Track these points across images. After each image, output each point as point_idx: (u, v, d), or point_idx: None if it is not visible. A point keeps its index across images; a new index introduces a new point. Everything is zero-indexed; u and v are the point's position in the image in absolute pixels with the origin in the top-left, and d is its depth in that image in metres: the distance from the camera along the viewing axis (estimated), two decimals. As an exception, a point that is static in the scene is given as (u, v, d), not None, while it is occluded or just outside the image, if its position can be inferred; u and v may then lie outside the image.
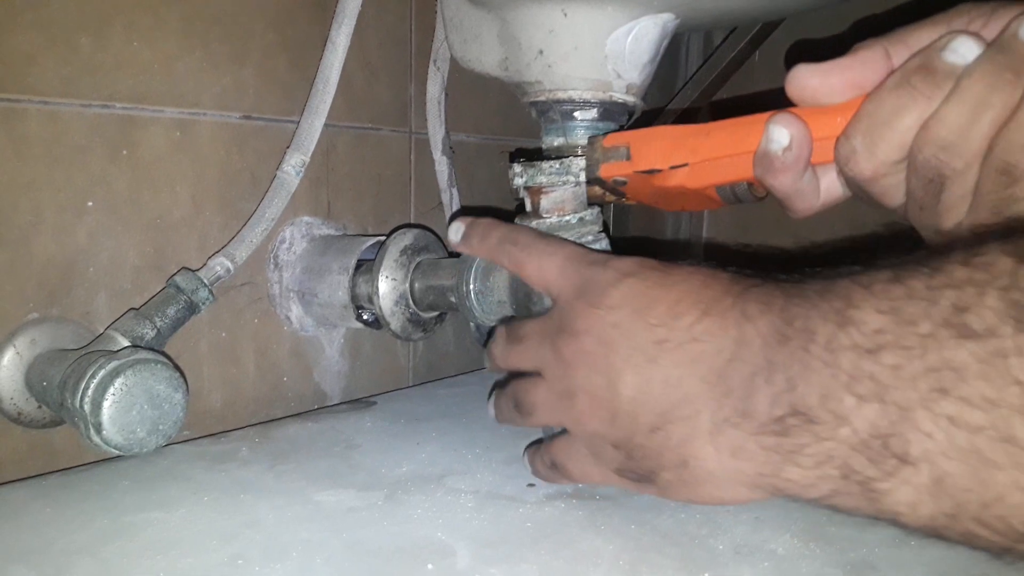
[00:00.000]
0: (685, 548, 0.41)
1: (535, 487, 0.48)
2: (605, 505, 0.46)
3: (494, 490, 0.47)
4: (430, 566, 0.38)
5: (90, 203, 0.51)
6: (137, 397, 0.44)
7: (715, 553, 0.40)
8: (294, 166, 0.57)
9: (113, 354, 0.45)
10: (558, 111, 0.49)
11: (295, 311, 0.63)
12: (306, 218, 0.63)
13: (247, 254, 0.56)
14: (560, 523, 0.43)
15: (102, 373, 0.43)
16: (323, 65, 0.58)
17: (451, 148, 0.71)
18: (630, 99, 0.49)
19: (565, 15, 0.46)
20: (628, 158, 0.45)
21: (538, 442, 0.48)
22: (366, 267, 0.58)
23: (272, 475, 0.49)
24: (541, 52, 0.48)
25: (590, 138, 0.47)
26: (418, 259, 0.56)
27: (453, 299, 0.52)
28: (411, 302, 0.56)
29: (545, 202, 0.49)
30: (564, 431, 0.44)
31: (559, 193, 0.48)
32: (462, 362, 0.81)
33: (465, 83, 0.73)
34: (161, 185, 0.55)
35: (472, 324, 0.80)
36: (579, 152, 0.49)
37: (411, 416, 0.62)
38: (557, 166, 0.47)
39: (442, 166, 0.70)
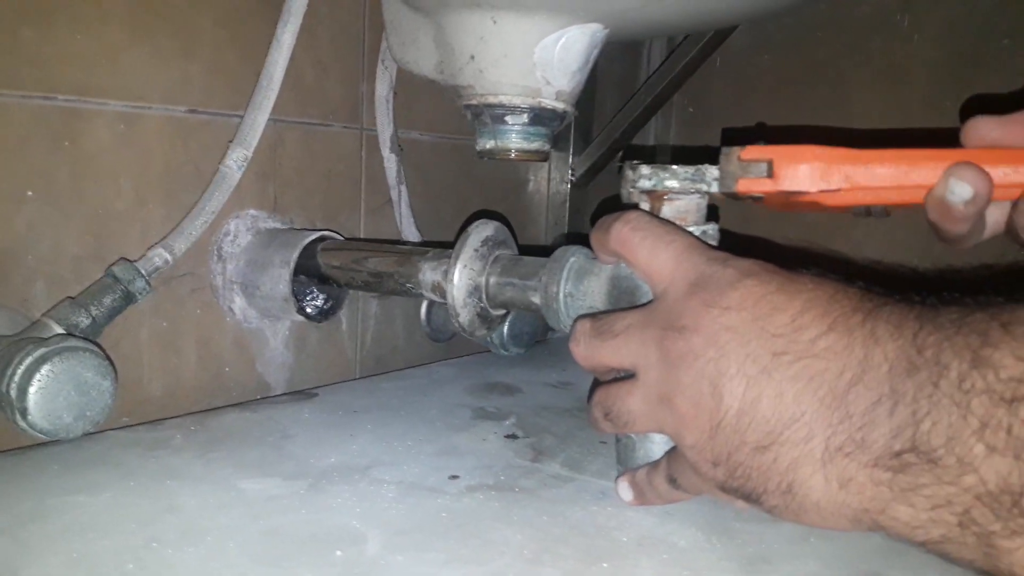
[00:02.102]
0: (591, 539, 0.42)
1: (458, 479, 0.49)
2: (522, 497, 0.47)
3: (417, 481, 0.49)
4: (339, 552, 0.39)
5: (30, 193, 0.52)
6: (64, 384, 0.45)
7: (618, 544, 0.42)
8: (236, 160, 0.58)
9: (43, 341, 0.46)
10: (489, 115, 0.50)
11: (238, 303, 0.64)
12: (252, 211, 0.65)
13: (186, 246, 0.57)
14: (475, 514, 0.45)
15: (29, 360, 0.44)
16: (268, 62, 0.59)
17: (400, 146, 0.73)
18: (560, 105, 0.51)
19: (495, 23, 0.47)
20: (770, 175, 0.42)
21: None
22: (434, 254, 0.56)
23: (201, 463, 0.50)
24: (472, 57, 0.49)
25: (723, 148, 0.44)
26: (496, 252, 0.53)
27: (536, 300, 0.49)
28: (484, 296, 0.53)
29: (668, 209, 0.45)
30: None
31: (684, 202, 0.45)
32: (411, 356, 0.82)
33: (419, 82, 0.74)
34: (104, 177, 0.56)
35: (424, 318, 0.82)
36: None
37: (350, 408, 0.63)
38: (692, 172, 0.44)
39: (390, 163, 0.72)
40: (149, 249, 0.57)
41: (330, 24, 0.69)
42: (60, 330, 0.49)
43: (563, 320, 0.48)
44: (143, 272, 0.54)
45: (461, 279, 0.51)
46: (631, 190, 0.46)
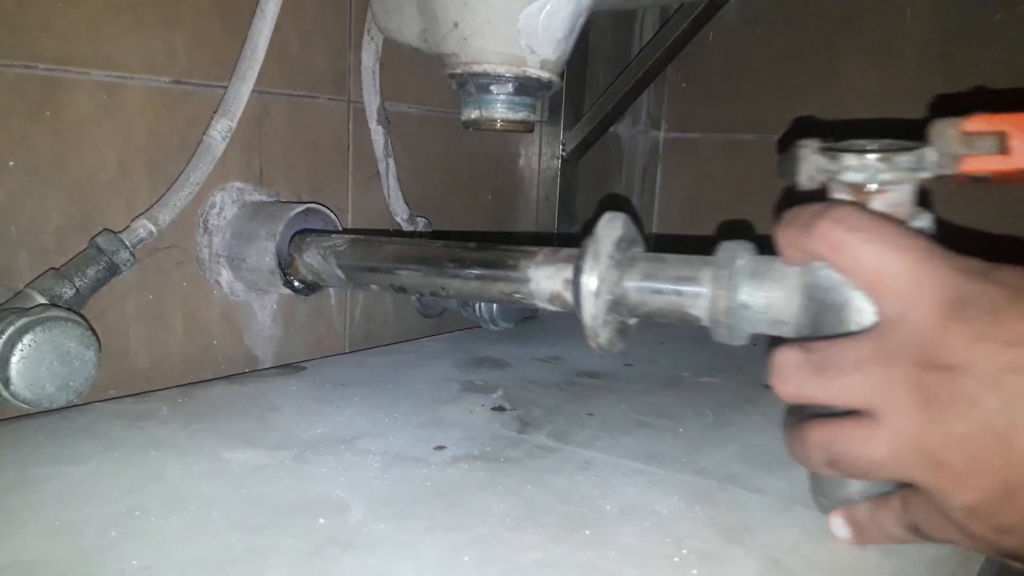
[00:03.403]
0: (574, 507, 0.42)
1: (444, 450, 0.50)
2: (507, 467, 0.47)
3: (403, 452, 0.49)
4: (322, 520, 0.39)
5: (11, 163, 0.52)
6: (46, 354, 0.45)
7: (601, 512, 0.42)
8: (220, 131, 0.58)
9: (25, 311, 0.45)
10: (474, 84, 0.50)
11: (225, 276, 0.63)
12: (237, 183, 0.64)
13: (171, 217, 0.57)
14: (460, 483, 0.45)
15: (11, 330, 0.44)
16: (252, 32, 0.58)
17: (387, 118, 0.72)
18: (545, 75, 0.50)
19: (478, -11, 0.47)
20: (1001, 151, 0.35)
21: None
22: (544, 257, 0.47)
23: (186, 434, 0.50)
24: (456, 25, 0.49)
25: (937, 120, 0.36)
26: (630, 253, 0.44)
27: (696, 312, 0.41)
28: (625, 309, 0.44)
29: (878, 203, 0.37)
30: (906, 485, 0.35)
31: (898, 194, 0.36)
32: (401, 331, 0.82)
33: (406, 54, 0.73)
34: (87, 147, 0.55)
35: (414, 297, 0.81)
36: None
37: (337, 381, 0.63)
38: (913, 159, 0.36)
39: (378, 136, 0.71)
40: (133, 220, 0.56)
41: (316, -6, 0.68)
42: (43, 300, 0.49)
43: (737, 336, 0.40)
44: (127, 243, 0.54)
45: (600, 295, 0.43)
46: (826, 181, 0.37)
